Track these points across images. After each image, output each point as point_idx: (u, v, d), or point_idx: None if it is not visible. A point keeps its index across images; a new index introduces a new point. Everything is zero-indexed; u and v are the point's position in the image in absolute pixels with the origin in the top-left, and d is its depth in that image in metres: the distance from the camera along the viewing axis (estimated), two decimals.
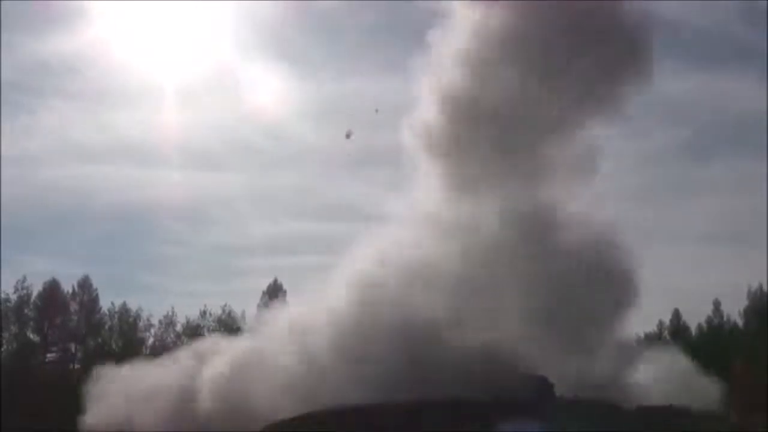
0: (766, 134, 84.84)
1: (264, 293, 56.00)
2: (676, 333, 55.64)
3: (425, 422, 27.82)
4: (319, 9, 77.35)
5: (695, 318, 57.24)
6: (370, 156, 60.30)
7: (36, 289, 49.22)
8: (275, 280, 56.94)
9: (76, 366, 49.00)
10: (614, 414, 28.02)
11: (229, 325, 54.23)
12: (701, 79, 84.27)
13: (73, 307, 51.14)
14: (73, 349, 51.55)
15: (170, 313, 55.50)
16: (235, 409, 33.23)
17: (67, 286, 50.52)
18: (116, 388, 36.87)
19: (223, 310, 56.50)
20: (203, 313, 56.39)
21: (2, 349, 47.77)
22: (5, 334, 47.86)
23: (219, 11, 68.96)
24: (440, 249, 35.17)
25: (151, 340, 54.61)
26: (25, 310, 48.92)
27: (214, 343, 39.50)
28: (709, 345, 49.43)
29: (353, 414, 28.89)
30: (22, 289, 49.01)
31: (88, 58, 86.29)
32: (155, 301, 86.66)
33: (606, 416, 27.39)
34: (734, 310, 56.48)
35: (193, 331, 53.47)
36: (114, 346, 51.67)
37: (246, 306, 56.97)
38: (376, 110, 44.60)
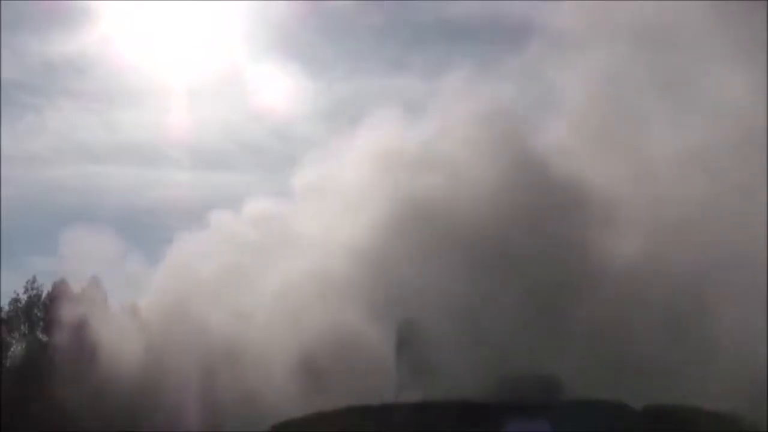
0: None
1: None
2: None
3: (433, 422, 27.92)
4: (329, 8, 77.30)
5: None
6: None
7: (46, 289, 49.61)
8: None
9: None
10: (622, 414, 28.04)
11: None
12: None
13: None
14: None
15: None
16: None
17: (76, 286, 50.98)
18: None
19: None
20: None
21: (11, 350, 47.96)
22: (15, 335, 48.13)
23: (227, 10, 68.83)
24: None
25: None
26: (35, 311, 49.20)
27: None
28: None
29: (361, 414, 29.06)
30: (32, 289, 49.35)
31: (94, 58, 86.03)
32: None
33: (614, 416, 27.44)
34: None
35: None
36: None
37: None
38: None
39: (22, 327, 48.79)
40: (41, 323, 48.47)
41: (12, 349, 48.06)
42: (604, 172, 39.05)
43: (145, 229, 76.85)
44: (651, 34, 41.04)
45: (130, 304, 47.80)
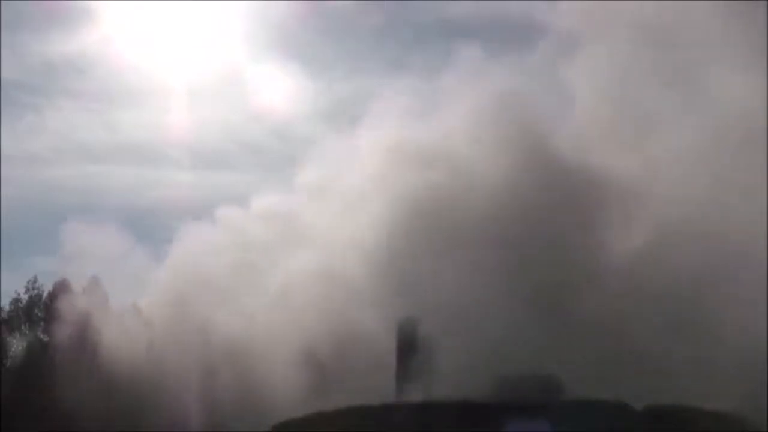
0: None
1: None
2: None
3: (433, 422, 27.89)
4: (329, 8, 77.25)
5: None
6: None
7: (47, 289, 49.65)
8: None
9: None
10: (622, 414, 27.98)
11: None
12: None
13: None
14: None
15: None
16: None
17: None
18: None
19: None
20: None
21: (12, 350, 48.03)
22: (15, 335, 48.19)
23: (227, 10, 68.81)
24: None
25: None
26: (36, 311, 49.25)
27: None
28: None
29: (361, 414, 29.04)
30: (33, 289, 49.40)
31: (94, 58, 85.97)
32: None
33: (614, 416, 27.39)
34: None
35: None
36: None
37: None
38: None
39: (22, 327, 48.84)
40: (42, 323, 48.53)
41: (13, 349, 48.10)
42: (606, 171, 39.06)
43: (146, 228, 76.96)
44: (653, 34, 41.06)
45: (131, 304, 47.88)
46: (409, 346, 34.96)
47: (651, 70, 40.96)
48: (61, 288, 48.59)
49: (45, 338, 47.62)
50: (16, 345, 48.22)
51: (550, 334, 32.13)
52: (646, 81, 40.93)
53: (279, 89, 65.75)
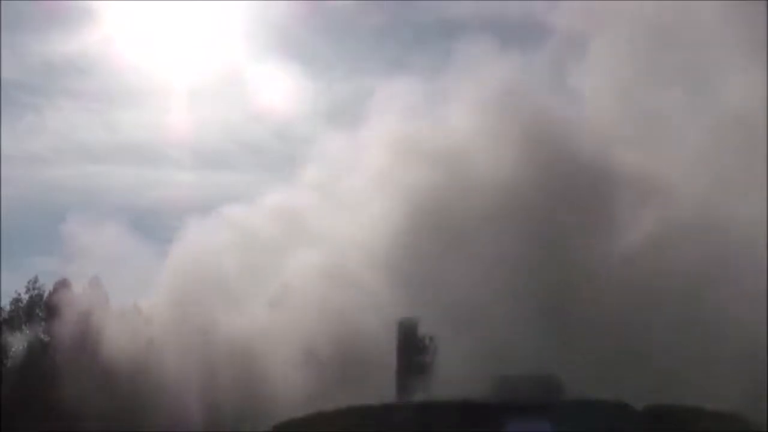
0: None
1: None
2: None
3: (434, 422, 27.89)
4: (329, 8, 77.16)
5: None
6: None
7: (47, 289, 49.73)
8: None
9: None
10: (622, 413, 27.97)
11: None
12: None
13: None
14: None
15: None
16: None
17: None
18: None
19: None
20: None
21: (12, 350, 48.10)
22: (16, 335, 48.27)
23: (227, 10, 68.76)
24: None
25: None
26: (36, 311, 49.34)
27: None
28: None
29: (362, 414, 29.04)
30: (34, 289, 49.48)
31: (94, 58, 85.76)
32: None
33: (614, 416, 27.38)
34: None
35: None
36: None
37: None
38: None
39: (23, 327, 48.90)
40: (43, 323, 48.60)
41: (13, 349, 48.17)
42: (606, 171, 39.09)
43: (146, 228, 76.98)
44: (653, 33, 41.11)
45: (132, 304, 47.98)
46: (409, 346, 34.97)
47: (652, 70, 40.97)
48: (62, 288, 48.72)
49: (46, 338, 47.74)
50: (17, 345, 48.29)
51: (551, 334, 32.15)
52: (648, 80, 40.96)
53: (279, 89, 65.68)
